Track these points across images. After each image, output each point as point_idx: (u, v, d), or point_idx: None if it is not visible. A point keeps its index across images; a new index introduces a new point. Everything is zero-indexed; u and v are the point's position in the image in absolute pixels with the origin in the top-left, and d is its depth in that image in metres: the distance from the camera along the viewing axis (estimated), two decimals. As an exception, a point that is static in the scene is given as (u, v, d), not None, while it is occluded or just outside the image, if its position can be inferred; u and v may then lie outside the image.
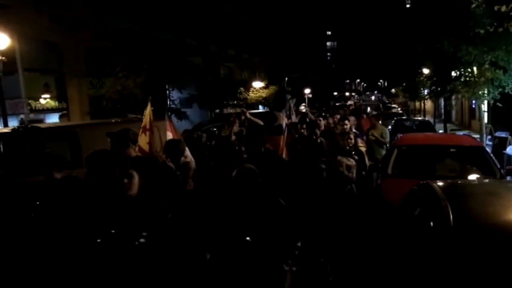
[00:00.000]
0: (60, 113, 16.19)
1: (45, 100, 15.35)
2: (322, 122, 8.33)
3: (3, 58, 9.08)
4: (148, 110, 6.03)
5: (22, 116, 13.93)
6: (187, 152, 5.45)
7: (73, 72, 15.57)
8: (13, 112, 13.29)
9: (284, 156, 6.25)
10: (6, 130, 7.54)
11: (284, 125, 6.45)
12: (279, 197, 3.43)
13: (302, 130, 7.67)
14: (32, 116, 14.40)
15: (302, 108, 11.11)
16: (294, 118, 9.66)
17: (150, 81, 14.89)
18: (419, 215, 3.65)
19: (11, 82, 12.55)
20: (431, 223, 3.17)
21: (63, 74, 16.00)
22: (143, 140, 5.64)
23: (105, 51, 15.63)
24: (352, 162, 5.36)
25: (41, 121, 14.65)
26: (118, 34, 15.35)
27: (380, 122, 21.21)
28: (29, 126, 7.39)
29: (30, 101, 14.46)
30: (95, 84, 15.28)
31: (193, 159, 5.53)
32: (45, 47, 15.44)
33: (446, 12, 15.44)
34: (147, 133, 5.77)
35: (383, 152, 8.79)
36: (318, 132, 7.51)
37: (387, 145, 9.11)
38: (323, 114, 13.04)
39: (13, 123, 11.97)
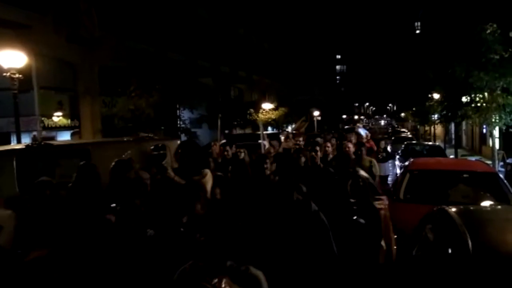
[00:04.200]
0: (72, 131, 16.35)
1: (58, 117, 15.52)
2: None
3: (20, 76, 9.22)
4: None
5: (34, 133, 14.08)
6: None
7: (87, 90, 15.81)
8: (26, 129, 13.42)
9: None
10: (19, 146, 7.63)
11: None
12: None
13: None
14: (44, 133, 14.53)
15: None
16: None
17: (162, 101, 15.06)
18: (434, 241, 3.58)
19: (26, 99, 12.75)
20: (449, 250, 3.11)
21: (77, 93, 16.23)
22: None
23: (119, 70, 15.88)
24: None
25: (53, 138, 14.79)
26: (132, 54, 15.62)
27: (389, 146, 19.96)
28: (42, 143, 7.45)
29: (43, 119, 14.64)
30: (108, 103, 15.46)
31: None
32: (61, 65, 15.72)
33: (457, 38, 15.55)
34: None
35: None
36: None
37: (376, 179, 7.12)
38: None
39: (25, 140, 12.11)
